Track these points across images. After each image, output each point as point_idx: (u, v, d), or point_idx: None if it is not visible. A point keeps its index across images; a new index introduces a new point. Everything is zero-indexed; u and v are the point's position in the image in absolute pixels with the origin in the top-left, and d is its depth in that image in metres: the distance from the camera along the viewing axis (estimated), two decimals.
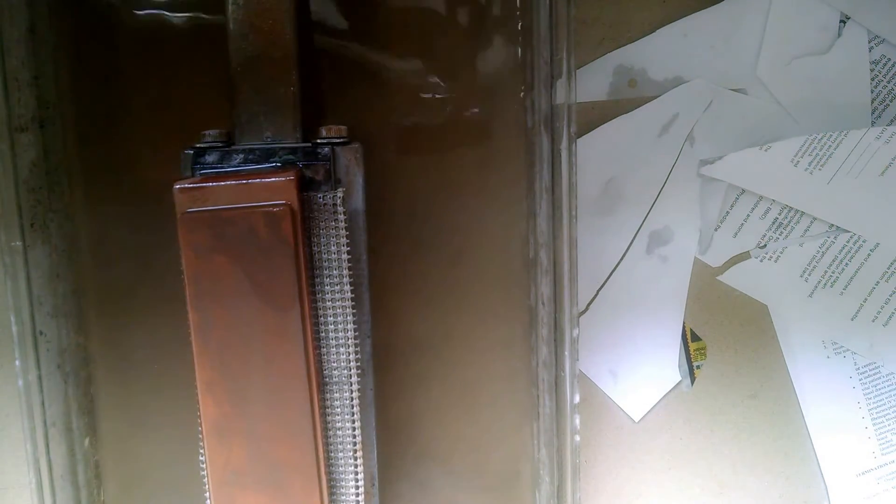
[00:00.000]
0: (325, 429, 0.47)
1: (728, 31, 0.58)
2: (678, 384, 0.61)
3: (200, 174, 0.46)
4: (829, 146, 0.58)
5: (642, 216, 0.59)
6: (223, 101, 0.48)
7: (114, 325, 0.55)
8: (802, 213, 0.60)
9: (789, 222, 0.60)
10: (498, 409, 0.58)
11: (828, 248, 0.61)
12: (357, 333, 0.48)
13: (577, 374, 0.53)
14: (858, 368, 0.62)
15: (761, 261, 0.61)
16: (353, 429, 0.48)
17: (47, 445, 0.51)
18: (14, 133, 0.49)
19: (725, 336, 0.61)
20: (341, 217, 0.46)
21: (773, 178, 0.58)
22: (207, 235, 0.43)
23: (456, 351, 0.57)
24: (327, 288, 0.46)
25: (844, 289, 0.61)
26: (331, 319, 0.47)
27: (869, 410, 0.63)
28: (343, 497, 0.48)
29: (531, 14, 0.53)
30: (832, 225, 0.60)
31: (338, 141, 0.47)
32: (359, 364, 0.48)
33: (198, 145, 0.47)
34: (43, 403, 0.51)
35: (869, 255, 0.61)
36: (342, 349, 0.47)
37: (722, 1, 0.57)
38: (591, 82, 0.57)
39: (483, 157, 0.55)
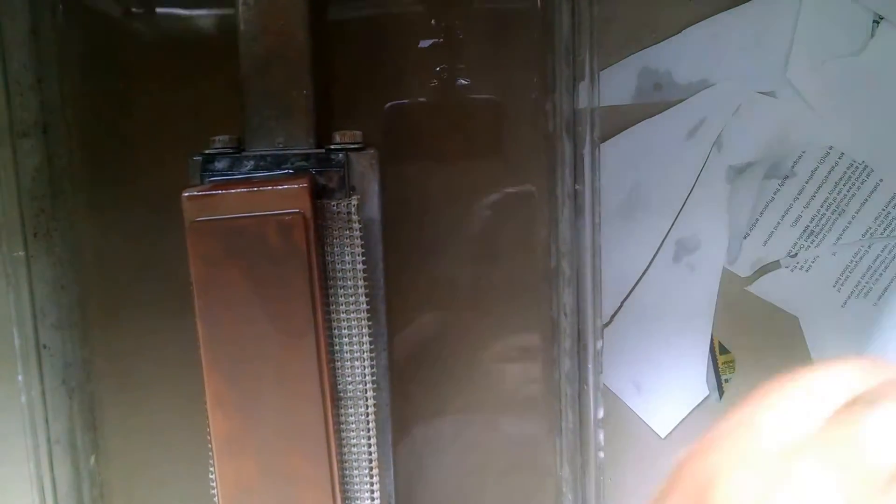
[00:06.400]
0: (340, 445, 0.47)
1: (757, 31, 0.57)
2: (706, 398, 0.61)
3: (210, 181, 0.46)
4: None
5: (669, 224, 0.59)
6: (233, 105, 0.48)
7: (120, 338, 0.55)
8: (835, 220, 0.59)
9: (821, 230, 0.60)
10: (519, 425, 0.57)
11: (861, 257, 0.60)
12: (373, 346, 0.47)
13: (601, 387, 0.52)
14: None
15: (792, 270, 0.60)
16: (369, 445, 0.47)
17: (51, 463, 0.51)
18: (16, 138, 0.49)
19: (755, 348, 0.61)
20: (356, 225, 0.46)
21: None
22: (217, 245, 0.43)
23: (476, 364, 0.57)
24: (342, 299, 0.46)
25: (879, 299, 0.61)
26: (345, 332, 0.46)
27: None
28: None
29: (553, 14, 0.52)
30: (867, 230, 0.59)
31: (352, 147, 0.47)
32: (374, 378, 0.47)
33: (207, 151, 0.47)
34: (47, 419, 0.51)
35: None
36: (357, 363, 0.47)
37: (750, 0, 0.56)
38: (615, 85, 0.57)
39: (503, 163, 0.55)
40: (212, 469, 0.45)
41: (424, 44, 0.53)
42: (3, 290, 0.50)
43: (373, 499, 0.47)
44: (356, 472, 0.47)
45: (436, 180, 0.55)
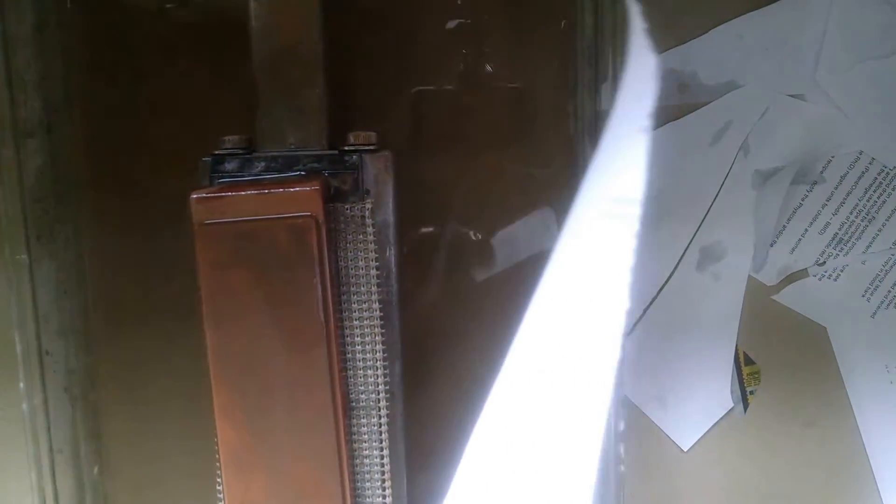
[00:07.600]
0: (352, 457, 0.46)
1: (786, 32, 0.56)
2: (730, 411, 0.59)
3: (219, 183, 0.46)
4: None
5: (692, 231, 0.57)
6: (244, 105, 0.47)
7: (125, 345, 0.54)
8: (865, 228, 0.58)
9: (850, 238, 0.58)
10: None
11: (891, 266, 0.59)
12: (386, 355, 0.47)
13: (622, 399, 0.52)
14: None
15: (820, 279, 0.59)
16: (382, 458, 0.47)
17: (53, 474, 0.51)
18: (19, 138, 0.49)
19: (781, 360, 0.59)
20: (370, 230, 0.45)
21: None
22: (226, 249, 0.42)
23: (492, 374, 0.54)
24: (354, 306, 0.46)
25: None
26: (358, 340, 0.46)
27: None
28: None
29: (575, 13, 0.52)
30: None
31: (366, 148, 0.46)
32: (388, 388, 0.47)
33: (217, 152, 0.46)
34: (49, 428, 0.51)
35: None
36: (370, 371, 0.46)
37: (780, 0, 0.55)
38: None
39: (522, 166, 0.54)
40: (219, 481, 0.45)
41: (442, 42, 0.52)
42: (5, 295, 0.50)
43: None
44: (368, 484, 0.47)
45: (453, 183, 0.54)
